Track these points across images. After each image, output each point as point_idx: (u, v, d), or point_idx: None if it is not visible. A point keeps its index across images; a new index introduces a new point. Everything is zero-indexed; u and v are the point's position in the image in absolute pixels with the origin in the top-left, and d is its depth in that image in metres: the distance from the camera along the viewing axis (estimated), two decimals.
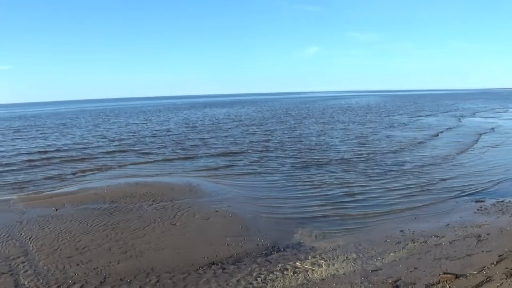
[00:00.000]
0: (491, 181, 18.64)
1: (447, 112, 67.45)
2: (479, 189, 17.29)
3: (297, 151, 27.81)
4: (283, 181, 19.58)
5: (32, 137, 42.78)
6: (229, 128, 46.07)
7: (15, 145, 36.28)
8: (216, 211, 14.50)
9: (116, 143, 35.75)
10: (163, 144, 33.77)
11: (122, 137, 40.74)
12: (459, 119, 54.42)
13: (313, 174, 20.75)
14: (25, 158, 28.33)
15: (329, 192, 17.16)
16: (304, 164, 23.18)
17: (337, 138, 34.70)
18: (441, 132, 38.41)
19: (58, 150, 31.76)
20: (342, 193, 17.06)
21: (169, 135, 40.73)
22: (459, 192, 16.93)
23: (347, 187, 18.09)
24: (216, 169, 22.69)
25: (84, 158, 27.65)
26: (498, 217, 13.34)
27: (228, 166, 23.23)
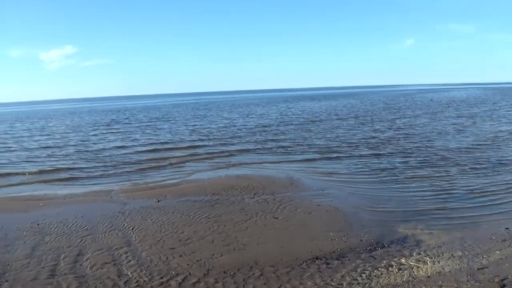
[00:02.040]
0: None
1: None
2: None
3: (400, 146, 26.90)
4: (385, 175, 18.90)
5: (130, 131, 43.82)
6: (328, 122, 45.37)
7: (116, 138, 37.22)
8: (318, 205, 14.11)
9: (215, 136, 36.10)
10: (263, 137, 33.75)
11: (220, 130, 41.12)
12: None
13: (417, 169, 19.94)
14: (125, 150, 29.03)
15: (434, 188, 16.37)
16: (409, 159, 22.34)
17: (444, 132, 33.32)
18: None
19: (157, 143, 32.36)
20: (447, 189, 16.27)
21: (269, 128, 40.66)
22: None
23: (452, 182, 17.24)
24: (316, 163, 22.29)
25: (183, 149, 28.06)
26: None
27: (328, 160, 22.77)
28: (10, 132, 49.58)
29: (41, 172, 22.40)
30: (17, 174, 22.30)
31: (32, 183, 20.12)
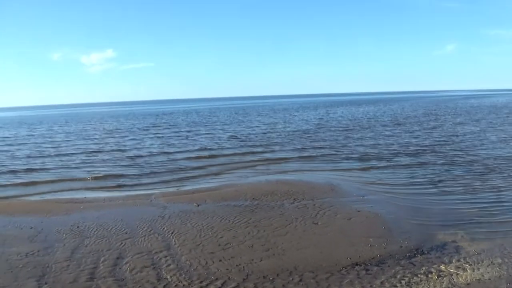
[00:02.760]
0: None
1: None
2: None
3: (442, 154, 26.52)
4: (426, 184, 18.60)
5: (169, 136, 44.12)
6: (368, 128, 45.01)
7: (154, 143, 37.48)
8: (358, 211, 14.02)
9: (255, 141, 36.12)
10: (302, 143, 33.56)
11: (259, 135, 41.22)
12: None
13: (459, 176, 19.66)
14: (165, 156, 29.27)
15: (475, 195, 16.13)
16: (451, 167, 21.95)
17: (486, 139, 32.67)
18: None
19: (197, 149, 32.49)
20: (488, 197, 16.02)
21: (308, 134, 40.51)
22: None
23: (494, 191, 16.92)
24: (355, 170, 22.06)
25: (223, 155, 28.15)
26: None
27: (367, 168, 22.43)
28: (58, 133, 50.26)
29: (93, 178, 22.43)
30: (75, 179, 22.47)
31: (78, 189, 20.27)
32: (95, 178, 22.00)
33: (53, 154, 32.22)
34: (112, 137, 45.72)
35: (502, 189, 17.19)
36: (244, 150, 30.55)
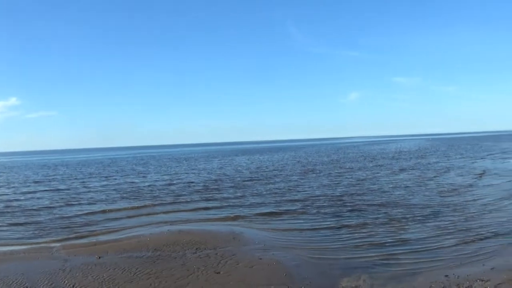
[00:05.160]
0: None
1: (490, 153, 66.37)
2: None
3: (340, 196, 27.61)
4: (327, 226, 19.31)
5: (74, 185, 43.17)
6: (272, 176, 45.75)
7: (47, 195, 36.54)
8: (260, 258, 14.27)
9: (157, 190, 35.97)
10: (204, 192, 33.68)
11: (163, 184, 41.02)
12: (500, 160, 54.72)
13: (357, 218, 20.62)
14: (60, 210, 28.54)
15: (375, 238, 16.84)
16: (350, 209, 22.91)
17: (378, 181, 34.26)
18: (486, 173, 38.37)
19: (100, 197, 31.97)
20: (386, 237, 16.87)
21: (212, 184, 40.62)
22: (502, 233, 16.77)
23: (393, 231, 17.82)
24: (258, 217, 22.37)
25: (125, 208, 27.68)
26: None
27: (271, 213, 22.87)
28: None
29: None
30: None
31: None
32: None
33: None
34: (7, 188, 44.23)
35: (399, 228, 18.23)
36: (146, 202, 30.12)
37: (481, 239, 16.02)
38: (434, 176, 38.22)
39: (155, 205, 27.87)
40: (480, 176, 36.48)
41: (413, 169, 46.61)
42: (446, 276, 12.06)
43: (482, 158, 59.74)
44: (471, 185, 31.01)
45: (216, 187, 36.90)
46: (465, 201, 24.43)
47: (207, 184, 39.73)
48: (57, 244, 17.87)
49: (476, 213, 20.74)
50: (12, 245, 18.73)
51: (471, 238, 16.26)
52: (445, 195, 27.03)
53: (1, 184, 49.92)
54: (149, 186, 40.20)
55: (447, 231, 17.53)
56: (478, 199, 24.72)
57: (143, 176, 52.24)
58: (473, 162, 53.04)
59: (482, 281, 11.40)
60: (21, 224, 23.05)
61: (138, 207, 27.11)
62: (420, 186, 31.91)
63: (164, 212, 24.79)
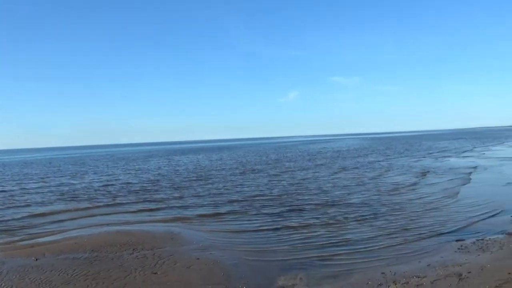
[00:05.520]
0: (471, 219, 19.09)
1: (425, 152, 68.18)
2: (460, 228, 17.66)
3: (280, 196, 28.03)
4: (266, 227, 19.55)
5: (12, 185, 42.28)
6: (211, 176, 45.80)
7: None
8: (198, 258, 14.46)
9: (94, 191, 35.58)
10: (144, 192, 33.65)
11: (100, 185, 40.55)
12: (439, 159, 56.14)
13: (297, 218, 20.90)
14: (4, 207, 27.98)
15: (314, 238, 17.17)
16: (289, 209, 23.29)
17: (317, 180, 34.74)
18: (426, 172, 39.29)
19: (36, 199, 31.48)
20: (325, 237, 17.17)
21: (151, 183, 40.50)
22: (440, 232, 17.23)
23: (331, 230, 18.27)
24: (197, 216, 22.59)
25: (62, 211, 27.28)
26: (479, 255, 13.58)
27: (210, 214, 22.97)
28: None
29: None
30: None
31: None
32: None
33: None
34: None
35: (336, 227, 18.72)
36: (84, 204, 29.68)
37: (419, 238, 16.51)
38: (375, 176, 38.99)
39: (92, 207, 27.50)
40: (423, 175, 37.45)
41: (353, 168, 47.50)
42: (383, 273, 12.39)
43: (423, 157, 61.54)
44: (412, 184, 31.84)
45: (154, 188, 36.69)
46: (405, 200, 25.06)
47: (145, 185, 39.45)
48: None
49: (415, 212, 21.32)
50: None
51: (409, 236, 16.75)
52: (384, 194, 27.74)
53: None
54: (86, 187, 39.62)
55: (386, 230, 17.97)
56: (417, 198, 25.37)
57: (80, 177, 51.42)
58: (414, 161, 54.43)
59: (418, 277, 11.75)
60: None
61: (75, 209, 26.68)
62: (359, 185, 32.53)
63: (101, 214, 24.54)
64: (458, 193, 26.54)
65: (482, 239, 15.48)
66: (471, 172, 37.92)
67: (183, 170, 56.45)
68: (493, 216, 19.65)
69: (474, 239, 15.58)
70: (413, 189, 29.28)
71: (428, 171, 40.42)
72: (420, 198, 25.46)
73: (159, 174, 51.42)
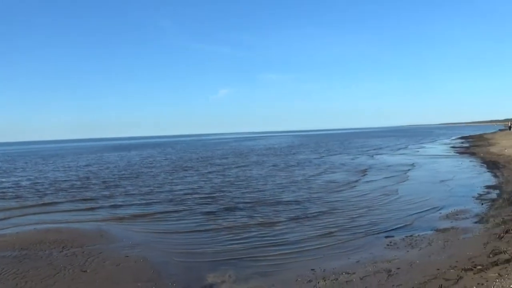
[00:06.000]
0: (403, 216, 19.67)
1: (358, 149, 69.34)
2: (390, 225, 18.16)
3: (212, 195, 28.18)
4: (195, 224, 19.81)
5: None
6: (142, 174, 45.53)
7: None
8: (127, 256, 14.64)
9: (22, 189, 34.94)
10: (74, 190, 33.26)
11: (29, 183, 39.68)
12: (375, 156, 57.84)
13: (229, 217, 21.13)
14: None
15: (243, 234, 17.53)
16: (220, 207, 23.46)
17: (250, 178, 35.12)
18: (364, 170, 40.11)
19: None
20: (257, 235, 17.43)
21: (81, 181, 40.00)
22: (369, 228, 17.69)
23: (260, 227, 18.66)
24: (128, 214, 22.61)
25: None
26: (408, 251, 14.05)
27: (141, 214, 22.87)
28: None
29: None
30: None
31: None
32: None
33: None
34: None
35: (266, 224, 19.14)
36: (11, 203, 28.95)
37: (350, 235, 16.85)
38: (310, 173, 39.31)
39: (20, 206, 26.95)
40: (361, 173, 38.13)
41: (287, 166, 47.84)
42: (313, 269, 12.70)
43: (360, 154, 62.95)
44: (349, 182, 32.29)
45: (84, 186, 36.13)
46: (339, 198, 25.42)
47: (74, 182, 38.80)
48: None
49: (349, 210, 21.65)
50: None
51: (340, 234, 17.07)
52: (319, 192, 28.04)
53: None
54: (14, 185, 38.72)
55: (317, 228, 18.25)
56: (354, 196, 25.76)
57: (7, 175, 50.23)
58: (351, 159, 55.38)
59: (348, 274, 12.06)
60: None
61: (3, 209, 26.11)
62: (293, 183, 32.71)
63: (30, 214, 24.07)
64: (395, 190, 27.16)
65: (411, 236, 15.95)
66: (408, 170, 38.91)
67: (113, 167, 55.77)
68: (424, 213, 20.27)
69: (403, 236, 16.04)
70: (351, 187, 29.78)
71: (366, 169, 40.99)
72: (356, 196, 25.85)
73: (89, 171, 50.55)
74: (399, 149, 74.02)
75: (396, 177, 34.04)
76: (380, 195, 25.81)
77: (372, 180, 33.01)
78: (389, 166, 43.67)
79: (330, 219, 19.78)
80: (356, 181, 33.03)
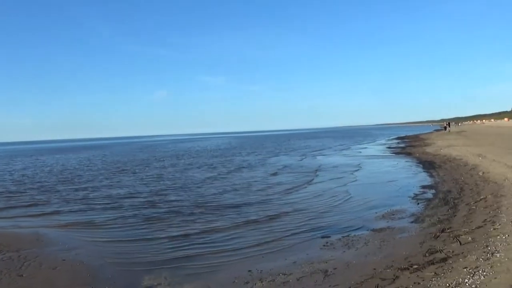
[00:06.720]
0: (336, 216, 20.08)
1: (298, 151, 70.90)
2: (326, 225, 18.38)
3: (150, 198, 28.02)
4: (132, 227, 19.80)
5: None
6: (79, 177, 44.76)
7: None
8: (63, 260, 14.56)
9: None
10: (8, 194, 32.52)
11: None
12: (318, 157, 58.72)
13: (169, 219, 21.09)
14: None
15: (183, 239, 17.39)
16: (159, 211, 23.31)
17: (189, 182, 34.57)
18: (310, 172, 40.23)
19: None
20: (192, 235, 17.59)
21: (16, 185, 39.11)
22: (305, 229, 17.86)
23: (197, 228, 18.72)
24: (65, 219, 22.22)
25: None
26: (344, 251, 14.30)
27: (79, 221, 22.04)
28: None
29: None
30: None
31: None
32: None
33: None
34: None
35: (202, 225, 19.25)
36: None
37: (287, 236, 16.98)
38: (251, 175, 39.36)
39: None
40: (307, 174, 38.31)
41: (231, 169, 47.41)
42: (250, 271, 12.85)
43: (303, 156, 63.52)
44: (294, 184, 32.23)
45: (19, 190, 35.23)
46: (281, 200, 25.54)
47: (8, 187, 37.80)
48: None
49: (285, 212, 21.74)
50: None
51: (278, 235, 17.20)
52: (260, 194, 28.08)
53: None
54: None
55: (256, 229, 18.38)
56: (299, 199, 25.72)
57: None
58: (298, 160, 55.80)
59: (284, 274, 12.23)
60: None
61: None
62: (234, 185, 32.63)
63: None
64: (342, 192, 27.32)
65: (348, 236, 16.21)
66: (355, 170, 39.41)
67: (49, 170, 54.71)
68: (360, 212, 20.64)
69: (340, 236, 16.27)
70: (295, 190, 29.65)
71: (314, 171, 41.04)
72: (301, 198, 25.86)
73: (24, 175, 49.39)
74: (343, 149, 75.69)
75: (343, 179, 34.13)
76: (329, 197, 25.62)
77: (319, 182, 33.17)
78: (336, 166, 44.41)
79: (267, 221, 19.84)
80: (300, 183, 32.92)
